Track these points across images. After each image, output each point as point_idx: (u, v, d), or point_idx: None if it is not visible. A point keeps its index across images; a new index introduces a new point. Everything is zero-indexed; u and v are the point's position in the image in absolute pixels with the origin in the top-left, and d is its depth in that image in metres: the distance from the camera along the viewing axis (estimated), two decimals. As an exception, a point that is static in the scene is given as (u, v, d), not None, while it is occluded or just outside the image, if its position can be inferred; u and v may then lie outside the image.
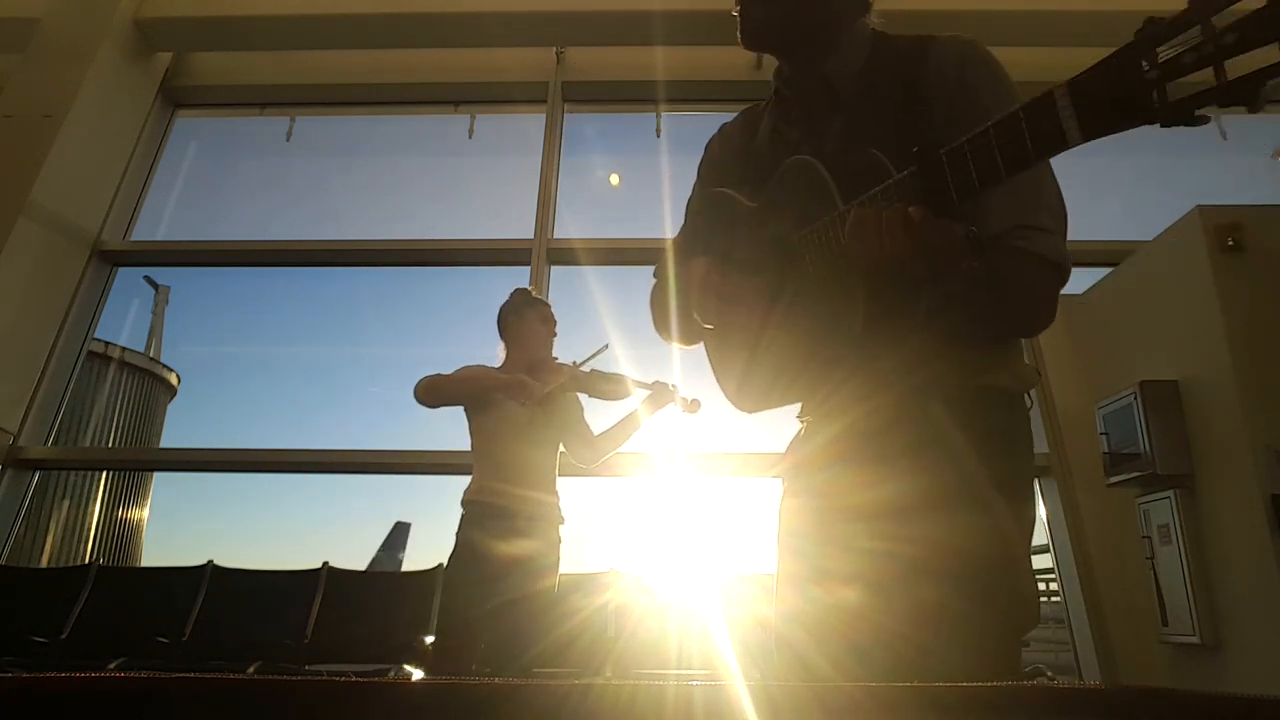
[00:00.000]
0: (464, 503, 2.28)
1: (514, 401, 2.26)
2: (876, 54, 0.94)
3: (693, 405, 2.34)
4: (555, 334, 2.46)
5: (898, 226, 0.68)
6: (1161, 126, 0.53)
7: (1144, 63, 0.53)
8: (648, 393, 2.35)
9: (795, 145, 0.97)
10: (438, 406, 2.32)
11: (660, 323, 1.10)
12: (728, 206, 1.00)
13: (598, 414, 2.46)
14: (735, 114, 1.13)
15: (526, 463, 2.27)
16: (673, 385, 2.36)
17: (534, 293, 2.53)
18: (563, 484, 2.34)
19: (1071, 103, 0.56)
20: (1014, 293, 0.82)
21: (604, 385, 2.36)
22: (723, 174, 1.07)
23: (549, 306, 2.49)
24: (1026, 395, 0.89)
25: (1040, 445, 3.61)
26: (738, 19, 0.96)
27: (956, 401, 0.83)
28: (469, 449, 2.33)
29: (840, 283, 0.79)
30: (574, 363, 2.36)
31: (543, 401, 2.28)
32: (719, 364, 1.01)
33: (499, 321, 2.47)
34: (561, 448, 2.40)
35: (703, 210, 1.08)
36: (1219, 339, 2.92)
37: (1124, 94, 0.54)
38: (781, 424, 1.07)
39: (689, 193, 1.15)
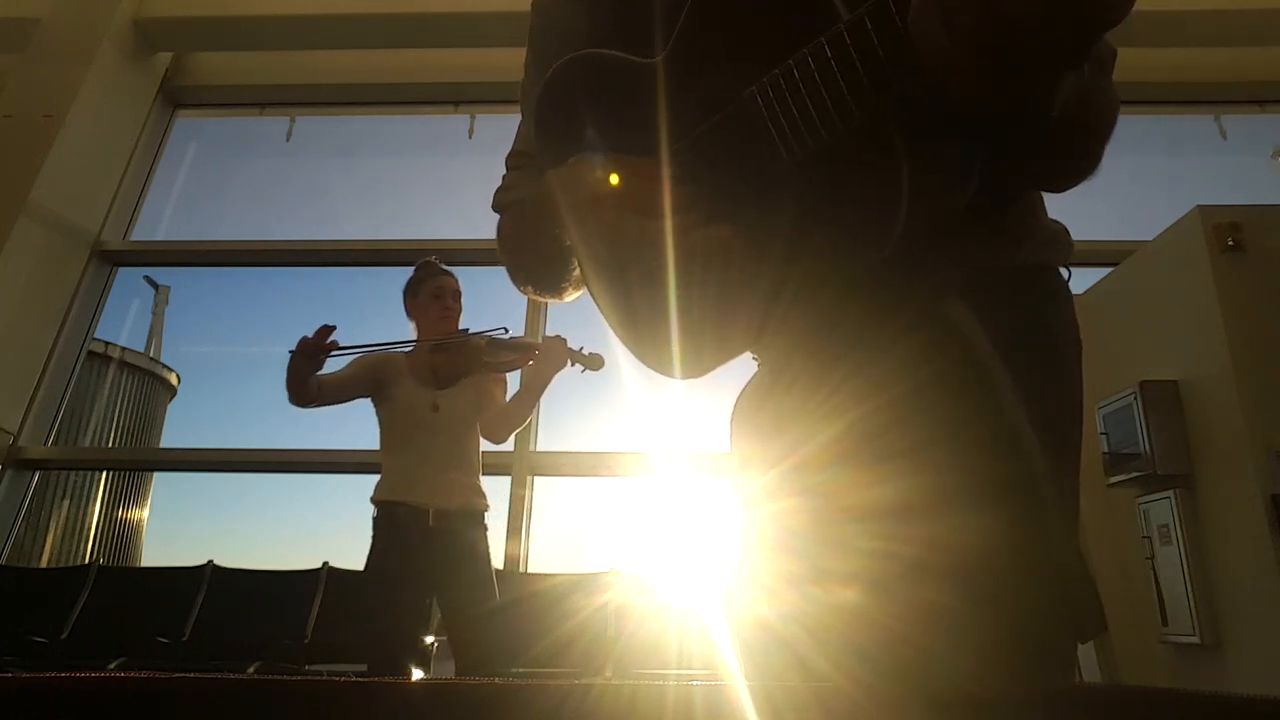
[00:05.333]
0: (375, 503, 2.12)
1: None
2: None
3: (592, 360, 2.18)
4: (454, 307, 2.28)
5: None
6: None
7: None
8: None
9: None
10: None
11: (530, 266, 0.83)
12: (610, 72, 0.67)
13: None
14: None
15: (440, 452, 2.13)
16: (557, 336, 2.20)
17: (435, 263, 2.34)
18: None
19: None
20: (1113, 109, 0.58)
21: (500, 357, 2.22)
22: (571, 39, 0.74)
23: (447, 278, 2.29)
24: (1065, 269, 0.65)
25: (1040, 445, 3.59)
26: None
27: (983, 292, 0.61)
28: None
29: (871, 141, 0.52)
30: (473, 332, 2.23)
31: (444, 384, 2.18)
32: (649, 319, 0.68)
33: (403, 301, 2.33)
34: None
35: (558, 90, 0.71)
36: (1219, 339, 2.92)
37: None
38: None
39: None
